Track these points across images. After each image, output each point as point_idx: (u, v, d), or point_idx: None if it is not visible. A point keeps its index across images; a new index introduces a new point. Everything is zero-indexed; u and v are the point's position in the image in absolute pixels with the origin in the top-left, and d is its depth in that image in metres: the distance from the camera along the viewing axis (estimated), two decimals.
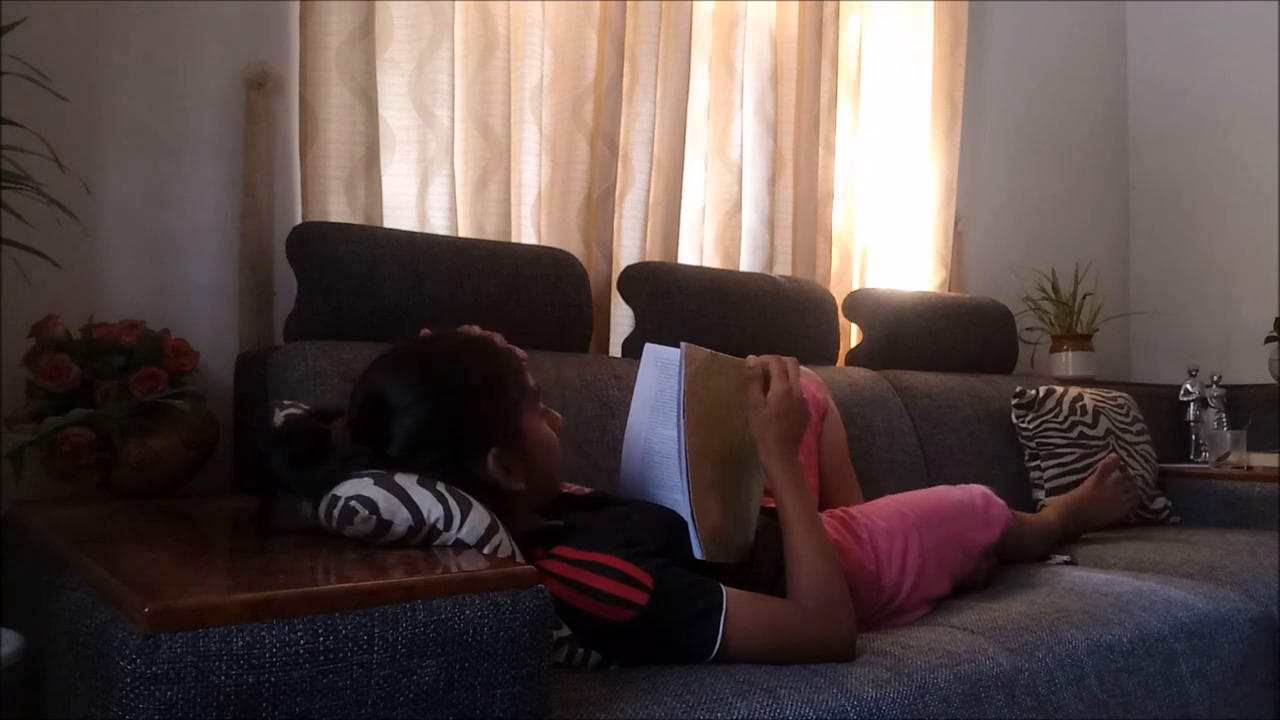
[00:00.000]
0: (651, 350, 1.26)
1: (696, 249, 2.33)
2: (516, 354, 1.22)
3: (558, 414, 1.27)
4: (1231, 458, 2.49)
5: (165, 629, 0.71)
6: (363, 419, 1.12)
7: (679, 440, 1.18)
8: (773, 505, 1.27)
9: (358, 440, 1.10)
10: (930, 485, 2.05)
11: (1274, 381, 2.70)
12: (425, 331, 1.23)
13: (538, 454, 1.19)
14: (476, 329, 1.26)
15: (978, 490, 1.65)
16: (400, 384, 1.12)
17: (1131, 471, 2.24)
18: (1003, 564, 1.71)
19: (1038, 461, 2.27)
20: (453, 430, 1.11)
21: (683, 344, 1.20)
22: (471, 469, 1.12)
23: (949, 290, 2.73)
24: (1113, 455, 2.13)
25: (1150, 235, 3.33)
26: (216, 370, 1.70)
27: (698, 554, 1.17)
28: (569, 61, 2.04)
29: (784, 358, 1.27)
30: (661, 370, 1.24)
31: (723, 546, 1.21)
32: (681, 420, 1.18)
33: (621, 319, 2.10)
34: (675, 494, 1.20)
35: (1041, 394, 2.32)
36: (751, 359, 1.27)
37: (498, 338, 1.23)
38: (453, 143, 1.90)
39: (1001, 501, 1.64)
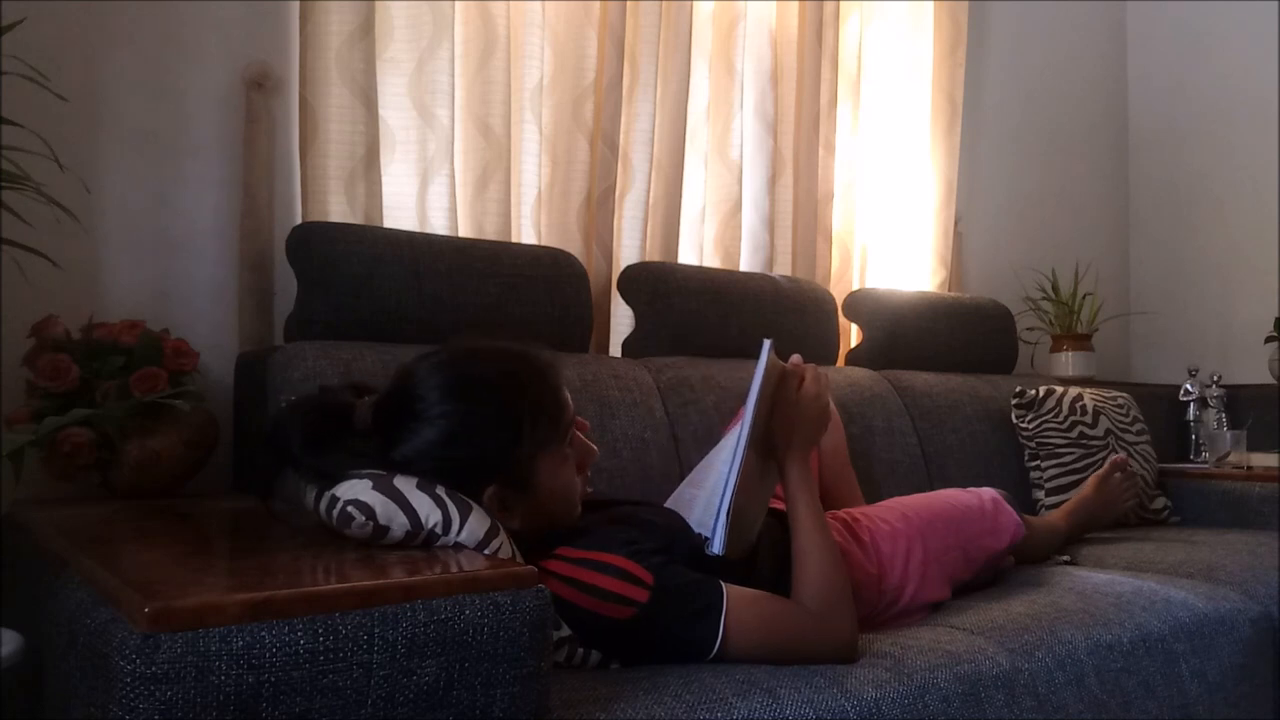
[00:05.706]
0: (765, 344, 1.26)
1: (696, 249, 2.33)
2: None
3: (594, 446, 1.23)
4: (1231, 458, 2.48)
5: (165, 629, 0.71)
6: (390, 407, 1.11)
7: (741, 431, 1.17)
8: (779, 506, 1.27)
9: (377, 422, 1.10)
10: (930, 485, 2.06)
11: (1274, 381, 2.70)
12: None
13: (551, 502, 1.17)
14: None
15: (988, 495, 1.64)
16: (434, 391, 1.10)
17: (1132, 470, 2.24)
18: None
19: (1038, 461, 2.27)
20: (457, 456, 1.10)
21: (768, 341, 1.22)
22: (470, 494, 1.09)
23: (949, 290, 2.73)
24: (1119, 455, 2.12)
25: (1150, 235, 3.33)
26: (216, 370, 1.70)
27: (717, 549, 1.15)
28: (569, 61, 2.04)
29: (821, 368, 1.29)
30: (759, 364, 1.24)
31: (735, 543, 1.21)
32: (751, 410, 1.18)
33: (621, 319, 2.10)
34: (719, 480, 1.19)
35: (1041, 394, 2.32)
36: (796, 358, 1.29)
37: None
38: (453, 143, 1.90)
39: (1013, 511, 1.63)
